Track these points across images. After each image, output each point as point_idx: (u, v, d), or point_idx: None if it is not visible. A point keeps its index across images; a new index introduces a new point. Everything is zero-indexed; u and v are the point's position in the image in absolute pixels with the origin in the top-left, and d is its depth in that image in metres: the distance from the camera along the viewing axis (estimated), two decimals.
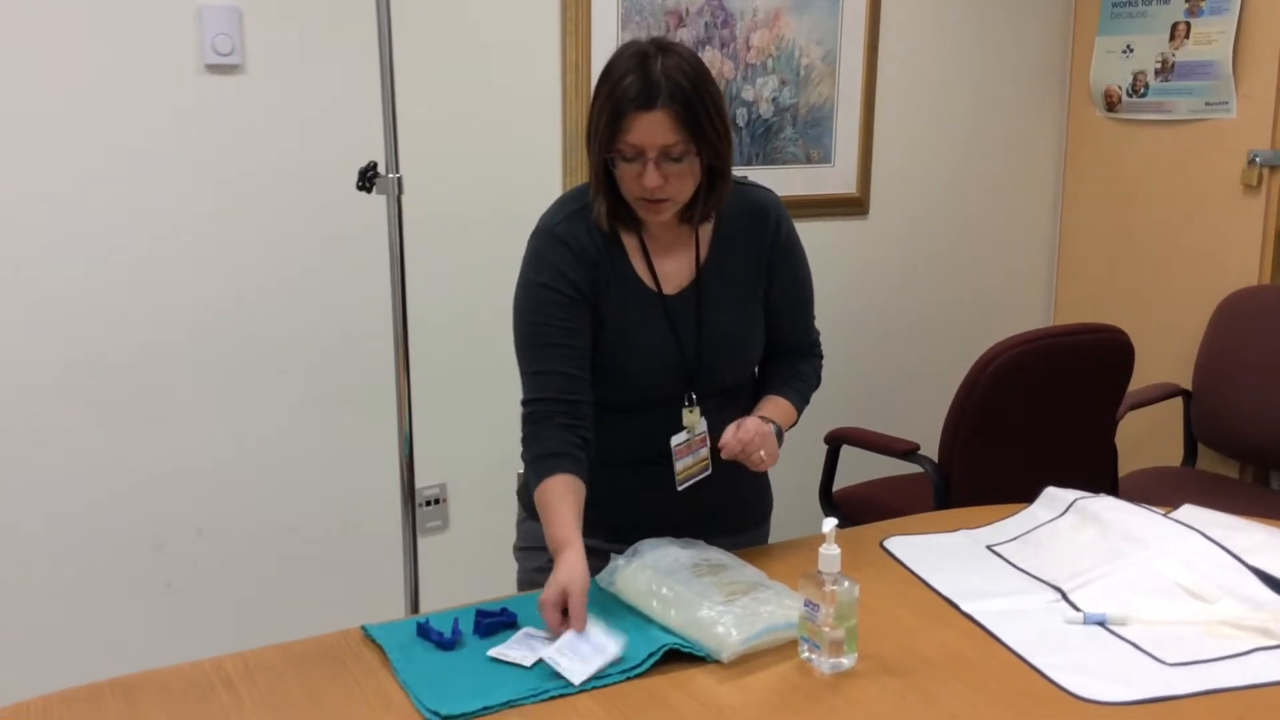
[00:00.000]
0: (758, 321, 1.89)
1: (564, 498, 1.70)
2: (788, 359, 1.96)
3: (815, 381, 1.99)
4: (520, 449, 1.79)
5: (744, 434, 1.72)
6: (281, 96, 2.75)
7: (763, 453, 1.73)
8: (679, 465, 1.82)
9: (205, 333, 2.76)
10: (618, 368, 1.81)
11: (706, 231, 1.84)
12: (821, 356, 2.01)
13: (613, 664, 1.52)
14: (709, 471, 1.85)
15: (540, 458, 1.74)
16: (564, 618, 1.56)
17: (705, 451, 1.85)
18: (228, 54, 2.66)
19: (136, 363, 2.70)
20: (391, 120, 2.18)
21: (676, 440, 1.82)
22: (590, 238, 1.79)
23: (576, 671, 1.49)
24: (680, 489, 1.83)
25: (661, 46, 1.68)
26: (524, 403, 1.80)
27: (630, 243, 1.82)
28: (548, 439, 1.74)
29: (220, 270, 2.75)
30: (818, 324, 2.00)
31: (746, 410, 1.86)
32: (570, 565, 1.60)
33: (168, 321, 2.72)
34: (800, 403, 1.93)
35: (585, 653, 1.52)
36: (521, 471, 1.86)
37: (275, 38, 2.72)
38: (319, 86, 2.78)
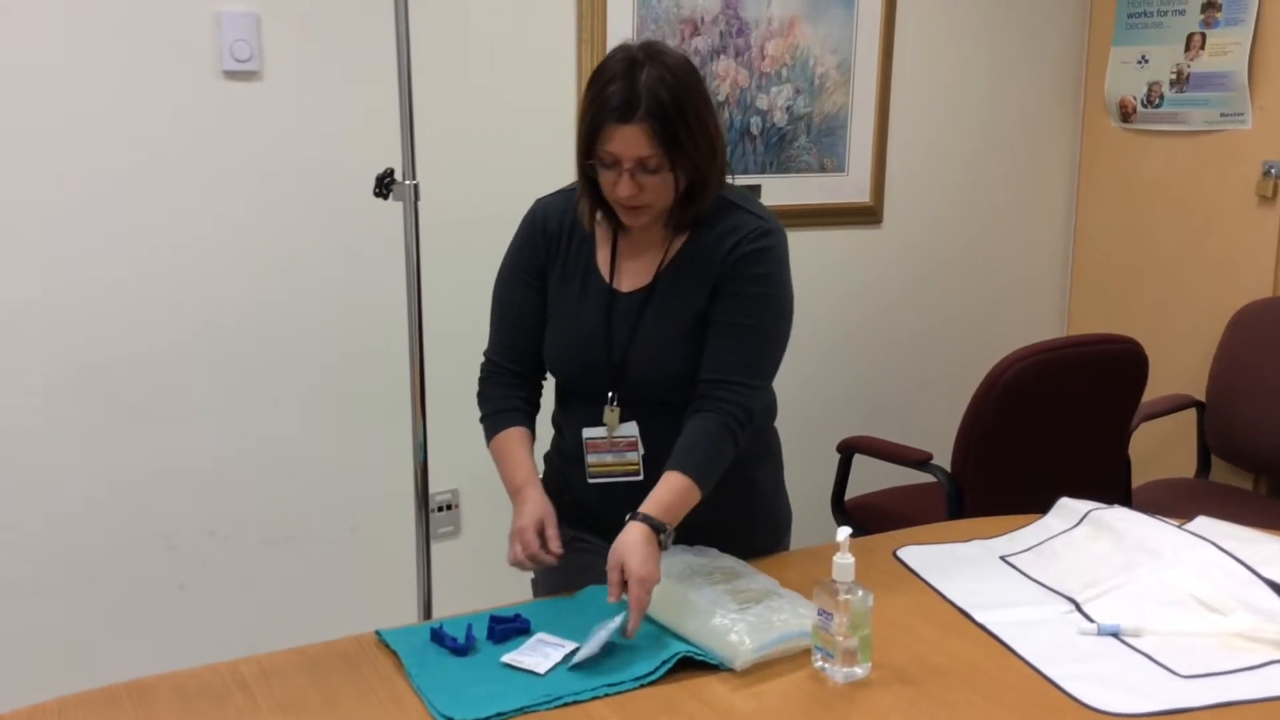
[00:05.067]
0: (696, 337, 1.78)
1: (519, 444, 1.87)
2: (700, 402, 1.75)
3: (726, 447, 1.72)
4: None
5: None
6: (299, 103, 2.76)
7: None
8: (590, 459, 1.85)
9: (221, 336, 2.77)
10: (549, 346, 1.88)
11: (680, 240, 1.82)
12: (741, 422, 1.73)
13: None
14: (639, 477, 1.82)
15: (491, 414, 1.91)
16: (540, 549, 1.74)
17: (634, 456, 1.82)
18: (246, 60, 2.68)
19: (151, 366, 2.71)
20: (409, 127, 2.19)
21: (589, 433, 1.85)
22: (562, 217, 1.87)
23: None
24: (590, 482, 1.86)
25: (650, 54, 1.69)
26: (485, 353, 1.95)
27: (602, 234, 1.85)
28: (496, 398, 1.92)
29: (236, 274, 2.77)
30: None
31: (680, 426, 1.74)
32: (536, 501, 1.80)
33: (184, 325, 2.73)
34: (701, 474, 1.69)
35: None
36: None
37: (293, 44, 2.73)
38: (337, 93, 2.79)
